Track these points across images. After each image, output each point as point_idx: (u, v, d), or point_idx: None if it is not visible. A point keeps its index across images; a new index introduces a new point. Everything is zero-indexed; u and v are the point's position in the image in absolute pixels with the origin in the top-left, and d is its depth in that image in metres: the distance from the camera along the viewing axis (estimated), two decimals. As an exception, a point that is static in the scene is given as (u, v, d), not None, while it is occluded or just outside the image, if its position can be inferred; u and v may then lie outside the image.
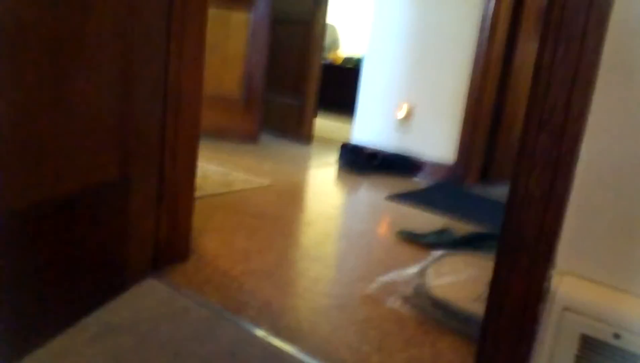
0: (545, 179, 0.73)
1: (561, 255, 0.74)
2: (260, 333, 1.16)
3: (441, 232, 1.98)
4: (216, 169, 2.64)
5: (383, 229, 2.05)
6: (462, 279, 1.43)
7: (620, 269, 0.70)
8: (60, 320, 1.08)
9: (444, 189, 2.88)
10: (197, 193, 1.55)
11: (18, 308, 0.97)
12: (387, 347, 1.17)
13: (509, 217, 0.77)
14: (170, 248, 1.44)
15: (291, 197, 2.42)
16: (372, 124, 3.39)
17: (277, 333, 1.17)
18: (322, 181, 2.80)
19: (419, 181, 3.04)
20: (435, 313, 1.30)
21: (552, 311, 0.70)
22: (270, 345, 1.12)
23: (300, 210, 2.22)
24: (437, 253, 1.61)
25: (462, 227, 2.14)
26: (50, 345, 1.02)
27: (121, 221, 1.23)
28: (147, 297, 1.25)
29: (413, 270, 1.52)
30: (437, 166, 3.09)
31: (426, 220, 2.22)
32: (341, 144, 3.28)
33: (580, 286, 0.71)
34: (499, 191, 2.93)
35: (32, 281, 0.99)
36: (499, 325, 0.78)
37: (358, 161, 3.10)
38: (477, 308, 1.27)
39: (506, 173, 3.22)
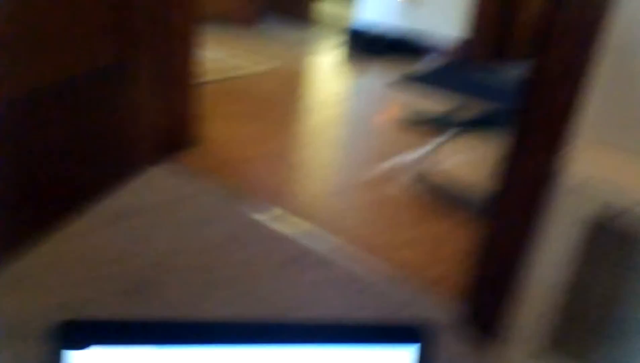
0: (565, 55, 0.70)
1: (579, 133, 0.73)
2: (262, 217, 1.19)
3: (451, 113, 1.96)
4: (218, 55, 2.56)
5: (390, 113, 2.03)
6: (467, 160, 1.43)
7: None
8: (70, 206, 1.10)
9: (455, 70, 2.81)
10: (201, 79, 1.52)
11: (25, 196, 0.99)
12: (396, 226, 1.20)
13: (527, 95, 0.75)
14: (179, 134, 1.44)
15: (296, 82, 2.37)
16: (378, 4, 3.23)
17: (290, 213, 1.20)
18: (327, 66, 2.73)
19: (429, 63, 2.95)
20: (441, 194, 1.33)
21: (562, 192, 0.71)
22: (278, 227, 1.15)
23: (306, 95, 2.19)
24: (445, 135, 1.61)
25: (474, 108, 2.11)
26: (67, 229, 1.05)
27: (121, 106, 1.21)
28: (157, 180, 1.27)
29: (420, 152, 1.53)
30: (447, 44, 2.99)
31: (436, 102, 2.19)
32: (346, 27, 3.15)
33: (594, 165, 0.70)
34: (515, 71, 2.85)
35: (36, 169, 1.00)
36: (508, 203, 0.79)
37: (364, 44, 3.00)
38: (481, 190, 1.29)
39: (523, 52, 3.09)
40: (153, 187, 1.25)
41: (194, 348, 0.40)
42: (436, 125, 1.83)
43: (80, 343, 0.40)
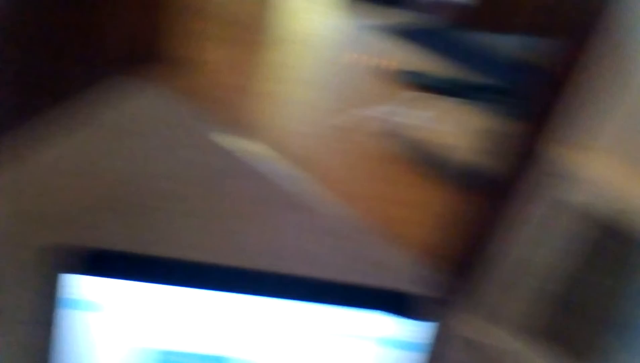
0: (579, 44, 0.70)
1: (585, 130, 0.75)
2: (239, 147, 1.16)
3: (424, 72, 1.95)
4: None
5: (362, 59, 1.99)
6: (444, 126, 1.45)
7: None
8: (41, 107, 1.03)
9: (448, 33, 2.76)
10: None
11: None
12: (364, 180, 1.21)
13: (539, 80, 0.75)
14: (148, 49, 1.36)
15: (267, 5, 2.26)
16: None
17: (262, 150, 1.18)
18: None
19: (423, 18, 2.89)
20: (412, 153, 1.34)
21: (558, 181, 0.73)
22: (248, 163, 1.13)
23: (282, 24, 2.10)
24: (418, 93, 1.61)
25: (449, 71, 2.11)
26: (36, 134, 0.99)
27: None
28: (124, 98, 1.21)
29: (391, 106, 1.52)
30: (446, 6, 2.92)
31: (422, 60, 2.16)
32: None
33: (597, 165, 0.72)
34: (508, 42, 2.83)
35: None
36: (502, 182, 0.80)
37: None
38: (455, 153, 1.31)
39: (522, 24, 3.05)
40: (122, 101, 1.19)
41: (177, 287, 0.40)
42: (420, 84, 1.82)
43: (75, 269, 0.39)
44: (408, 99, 1.56)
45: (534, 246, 0.77)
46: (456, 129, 1.43)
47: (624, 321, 0.73)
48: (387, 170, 1.27)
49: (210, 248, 0.87)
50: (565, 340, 0.78)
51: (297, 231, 0.97)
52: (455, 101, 1.62)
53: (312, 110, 1.45)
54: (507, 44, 2.72)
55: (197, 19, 1.78)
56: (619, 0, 0.69)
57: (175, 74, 1.37)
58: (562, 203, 0.74)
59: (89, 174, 0.95)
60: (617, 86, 0.71)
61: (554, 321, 0.78)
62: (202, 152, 1.10)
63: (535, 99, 0.78)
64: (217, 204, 0.97)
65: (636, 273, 0.71)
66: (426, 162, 1.32)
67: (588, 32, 0.71)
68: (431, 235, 1.07)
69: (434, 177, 1.29)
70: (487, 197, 0.84)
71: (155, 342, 0.41)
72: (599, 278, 0.74)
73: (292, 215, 1.00)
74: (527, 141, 0.79)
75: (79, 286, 0.39)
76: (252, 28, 1.90)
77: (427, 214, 1.15)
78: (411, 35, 2.44)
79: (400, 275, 0.94)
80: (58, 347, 0.39)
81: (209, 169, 1.06)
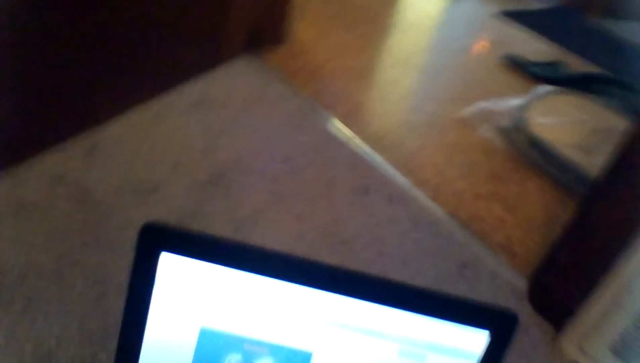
0: None
1: None
2: (346, 134, 1.15)
3: (552, 64, 1.80)
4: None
5: (489, 48, 1.88)
6: (568, 122, 1.32)
7: None
8: (161, 84, 1.08)
9: (563, 16, 2.56)
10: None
11: (122, 62, 0.97)
12: (472, 176, 1.14)
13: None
14: (266, 29, 1.38)
15: None
16: None
17: (365, 139, 1.15)
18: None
19: (539, 1, 2.70)
20: (529, 152, 1.24)
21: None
22: (354, 149, 1.11)
23: (403, 9, 2.04)
24: (546, 88, 1.48)
25: (575, 63, 1.94)
26: (151, 105, 1.04)
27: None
28: (243, 76, 1.23)
29: (515, 101, 1.42)
30: (563, -13, 2.71)
31: (538, 47, 2.01)
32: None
33: None
34: (628, 30, 2.58)
35: (133, 37, 0.97)
36: (620, 187, 0.71)
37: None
38: (577, 155, 1.19)
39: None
40: (235, 81, 1.21)
41: (262, 277, 0.39)
42: (534, 74, 1.69)
43: (166, 247, 0.39)
44: (534, 94, 1.44)
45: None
46: (580, 127, 1.30)
47: None
48: (494, 168, 1.19)
49: (304, 236, 0.86)
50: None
51: (391, 224, 0.93)
52: (584, 96, 1.47)
53: (423, 102, 1.40)
54: (624, 36, 2.46)
55: (315, 2, 1.79)
56: None
57: (290, 56, 1.38)
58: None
59: (199, 150, 0.98)
60: None
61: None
62: (310, 136, 1.10)
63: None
64: (316, 190, 0.96)
65: None
66: (542, 162, 1.21)
67: None
68: (537, 241, 0.98)
69: (547, 179, 1.19)
70: (602, 203, 0.75)
71: (221, 325, 0.41)
72: None
73: (389, 207, 0.97)
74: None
75: (166, 264, 0.39)
76: (368, 13, 1.86)
77: (529, 216, 1.06)
78: (529, 19, 2.27)
79: (495, 283, 0.88)
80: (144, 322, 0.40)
81: (315, 154, 1.05)
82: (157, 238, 0.39)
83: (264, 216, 0.88)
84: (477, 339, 0.41)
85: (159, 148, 0.95)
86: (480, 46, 1.90)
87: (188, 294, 0.40)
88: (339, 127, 1.16)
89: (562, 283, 0.81)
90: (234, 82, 1.20)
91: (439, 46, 1.80)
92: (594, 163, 0.89)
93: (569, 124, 1.31)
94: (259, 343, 0.41)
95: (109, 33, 0.90)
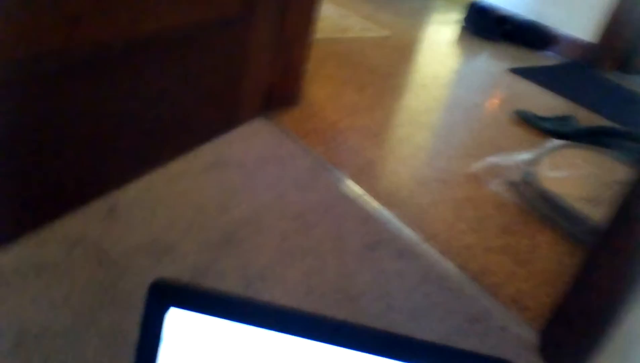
0: None
1: None
2: (357, 191, 1.18)
3: (563, 119, 1.83)
4: (328, 12, 2.52)
5: (499, 104, 1.93)
6: (577, 175, 1.33)
7: None
8: (178, 147, 1.14)
9: (576, 71, 2.61)
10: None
11: (142, 128, 1.03)
12: (483, 230, 1.15)
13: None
14: (281, 91, 1.44)
15: (407, 54, 2.29)
16: (510, -17, 3.03)
17: (375, 196, 1.18)
18: (442, 41, 2.62)
19: (549, 57, 2.76)
20: (540, 206, 1.25)
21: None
22: (364, 206, 1.14)
23: (414, 70, 2.11)
24: (555, 142, 1.50)
25: (588, 117, 1.96)
26: (169, 167, 1.09)
27: (240, 57, 1.22)
28: (257, 137, 1.29)
29: (525, 155, 1.44)
30: (573, 43, 2.77)
31: (549, 103, 2.05)
32: (468, 2, 2.99)
33: None
34: (637, 82, 2.61)
35: (153, 105, 1.03)
36: (623, 238, 0.72)
37: (484, 24, 2.84)
38: (587, 207, 1.20)
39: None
40: (250, 142, 1.26)
41: (272, 333, 0.40)
42: (543, 129, 1.71)
43: (174, 303, 0.41)
44: (544, 148, 1.46)
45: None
46: (590, 180, 1.31)
47: None
48: (503, 221, 1.20)
49: (313, 292, 0.88)
50: None
51: (400, 278, 0.94)
52: (594, 149, 1.49)
53: (434, 158, 1.43)
54: (632, 88, 2.47)
55: (327, 64, 1.87)
56: None
57: (303, 117, 1.44)
58: None
59: (213, 210, 1.02)
60: None
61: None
62: (320, 193, 1.13)
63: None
64: (329, 244, 0.99)
65: None
66: (551, 215, 1.22)
67: None
68: (549, 294, 0.98)
69: (556, 232, 1.19)
70: (605, 254, 0.75)
71: None
72: None
73: (399, 262, 0.98)
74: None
75: (174, 320, 0.41)
76: (379, 73, 1.93)
77: (539, 269, 1.06)
78: (538, 75, 2.31)
79: (505, 338, 0.87)
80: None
81: (325, 211, 1.08)
82: (166, 294, 0.41)
83: (274, 272, 0.90)
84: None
85: (175, 209, 0.99)
86: (491, 102, 1.94)
87: (196, 348, 0.41)
88: (349, 184, 1.20)
89: (572, 336, 0.80)
90: (248, 143, 1.25)
91: (450, 103, 1.84)
92: (604, 215, 0.90)
93: (578, 178, 1.32)
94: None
95: (129, 101, 0.97)
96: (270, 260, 0.92)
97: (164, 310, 0.41)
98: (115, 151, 0.98)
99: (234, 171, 1.14)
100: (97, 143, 0.93)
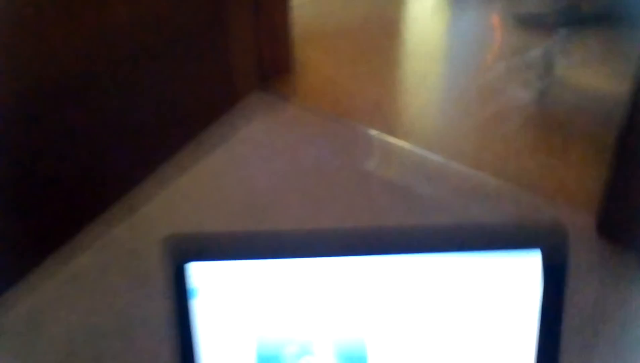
0: None
1: None
2: (373, 133, 1.14)
3: (567, 9, 1.73)
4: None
5: (495, 18, 1.84)
6: (590, 58, 1.26)
7: None
8: (182, 135, 1.12)
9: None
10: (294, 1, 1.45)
11: (145, 129, 1.02)
12: (510, 136, 1.10)
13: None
14: (273, 60, 1.40)
15: (392, 27, 2.20)
16: None
17: (390, 132, 1.13)
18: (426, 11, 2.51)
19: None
20: (566, 97, 1.18)
21: None
22: (383, 144, 1.10)
23: (403, 41, 2.03)
24: (562, 32, 1.42)
25: (584, 3, 1.85)
26: (178, 157, 1.08)
27: (221, 33, 1.19)
28: (257, 109, 1.26)
29: (535, 53, 1.37)
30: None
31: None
32: None
33: None
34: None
35: (153, 106, 1.02)
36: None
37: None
38: (611, 85, 1.13)
39: None
40: (251, 115, 1.24)
41: (303, 259, 0.38)
42: (549, 23, 1.62)
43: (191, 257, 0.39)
44: (553, 41, 1.38)
45: None
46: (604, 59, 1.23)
47: None
48: (533, 121, 1.14)
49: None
50: None
51: (434, 201, 0.91)
52: (605, 30, 1.40)
53: (449, 76, 1.38)
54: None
55: (317, 21, 1.81)
56: None
57: (302, 81, 1.40)
58: None
59: (229, 186, 1.00)
60: None
61: None
62: (340, 144, 1.10)
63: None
64: (352, 187, 0.96)
65: None
66: (584, 101, 1.15)
67: None
68: (592, 177, 0.93)
69: (586, 123, 1.13)
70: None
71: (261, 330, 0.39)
72: None
73: (429, 185, 0.95)
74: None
75: (195, 274, 0.39)
76: (375, 19, 1.87)
77: (576, 157, 1.00)
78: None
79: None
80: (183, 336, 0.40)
81: (345, 156, 1.05)
82: (182, 251, 0.39)
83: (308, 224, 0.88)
84: (531, 263, 0.37)
85: (191, 195, 0.98)
86: (489, 14, 1.85)
87: (231, 298, 0.39)
88: (363, 129, 1.16)
89: (628, 210, 0.76)
90: (250, 116, 1.22)
91: (446, 27, 1.77)
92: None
93: (595, 61, 1.25)
94: (312, 334, 0.39)
95: (131, 107, 0.96)
96: (298, 219, 0.90)
97: (183, 266, 0.38)
98: (125, 155, 0.97)
99: (243, 146, 1.12)
100: (107, 152, 0.93)
